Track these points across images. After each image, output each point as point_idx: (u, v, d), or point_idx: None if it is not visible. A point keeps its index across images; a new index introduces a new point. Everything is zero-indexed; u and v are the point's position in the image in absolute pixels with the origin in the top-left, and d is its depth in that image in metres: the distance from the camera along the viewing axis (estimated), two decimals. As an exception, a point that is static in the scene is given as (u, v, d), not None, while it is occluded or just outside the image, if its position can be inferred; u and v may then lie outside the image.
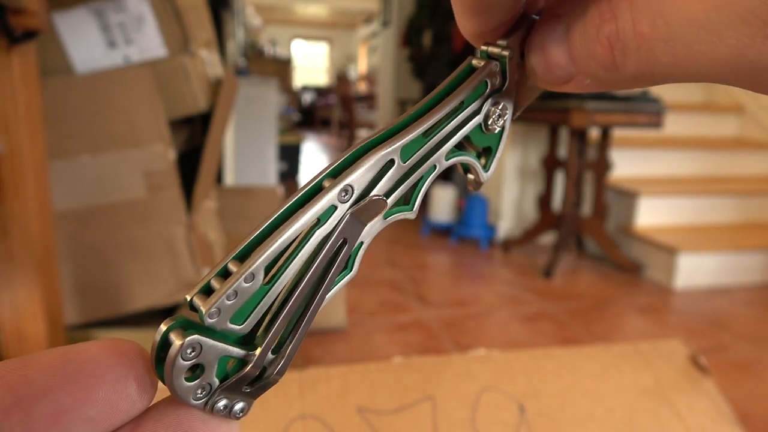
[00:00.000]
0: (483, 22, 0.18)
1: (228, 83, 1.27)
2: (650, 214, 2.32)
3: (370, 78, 8.33)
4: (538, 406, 0.50)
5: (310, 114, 8.71)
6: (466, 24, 0.18)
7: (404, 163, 0.17)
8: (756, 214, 2.45)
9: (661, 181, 2.49)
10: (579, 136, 2.18)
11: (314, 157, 5.75)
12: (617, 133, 2.36)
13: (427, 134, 0.17)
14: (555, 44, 0.16)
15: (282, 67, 6.60)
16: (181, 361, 0.15)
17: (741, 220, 2.43)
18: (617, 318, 1.87)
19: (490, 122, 0.18)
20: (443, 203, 2.77)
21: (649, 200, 2.31)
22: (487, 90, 0.18)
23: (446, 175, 3.27)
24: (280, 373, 0.16)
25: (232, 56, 3.27)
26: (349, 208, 0.16)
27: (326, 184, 0.16)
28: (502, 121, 0.18)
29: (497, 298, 1.97)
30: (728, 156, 2.65)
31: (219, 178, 2.31)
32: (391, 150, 0.17)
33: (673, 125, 2.58)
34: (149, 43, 1.08)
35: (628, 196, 2.34)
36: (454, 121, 0.18)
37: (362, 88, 8.04)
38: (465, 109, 0.18)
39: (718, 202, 2.41)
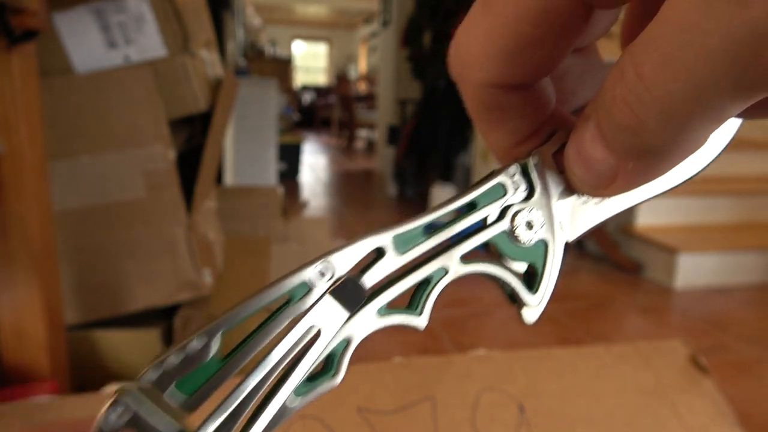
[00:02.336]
0: (505, 135, 0.17)
1: (228, 83, 1.27)
2: (650, 214, 2.32)
3: (370, 78, 8.33)
4: (538, 406, 0.50)
5: (310, 114, 8.71)
6: (491, 139, 0.17)
7: (399, 255, 0.15)
8: (756, 214, 2.45)
9: (661, 181, 2.48)
10: (579, 136, 2.18)
11: (314, 158, 5.76)
12: (617, 133, 2.36)
13: (430, 231, 0.16)
14: (588, 139, 0.14)
15: (282, 67, 6.60)
16: (107, 420, 0.13)
17: (741, 220, 2.43)
18: (617, 318, 1.87)
19: (517, 232, 0.16)
20: (443, 203, 2.77)
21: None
22: (506, 195, 0.16)
23: (446, 176, 3.27)
24: None
25: (232, 56, 3.27)
26: (327, 291, 0.14)
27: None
28: (536, 234, 0.16)
29: (497, 298, 1.97)
30: (728, 156, 2.65)
31: (219, 178, 2.31)
32: (380, 237, 0.15)
33: (673, 125, 2.58)
34: (149, 43, 1.08)
35: (628, 196, 2.34)
36: (464, 221, 0.16)
37: (362, 88, 8.04)
38: (477, 211, 0.16)
39: (718, 202, 2.41)
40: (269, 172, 2.69)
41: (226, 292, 1.23)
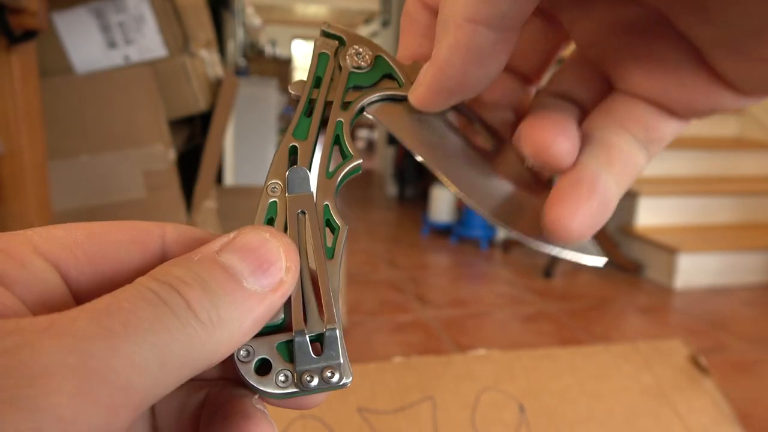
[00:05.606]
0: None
1: (228, 83, 1.27)
2: (650, 214, 2.32)
3: (370, 78, 8.32)
4: (538, 406, 0.50)
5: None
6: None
7: (306, 140, 0.20)
8: (756, 214, 2.45)
9: (661, 181, 2.49)
10: (579, 136, 2.18)
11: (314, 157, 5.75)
12: (617, 133, 2.36)
13: (309, 113, 0.20)
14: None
15: (282, 67, 6.59)
16: (240, 363, 0.17)
17: (741, 220, 2.43)
18: (617, 318, 1.87)
19: (358, 63, 0.20)
20: (443, 203, 2.77)
21: (649, 200, 2.31)
22: (330, 56, 0.20)
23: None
24: (331, 321, 0.17)
25: (232, 56, 3.27)
26: (285, 195, 0.19)
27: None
28: (368, 55, 0.20)
29: (497, 298, 1.97)
30: (728, 156, 2.65)
31: (219, 178, 2.31)
32: (284, 141, 0.20)
33: (673, 125, 2.58)
34: (149, 43, 1.08)
35: (628, 196, 2.34)
36: (323, 87, 0.20)
37: (362, 88, 8.02)
38: (323, 76, 0.20)
39: (718, 202, 2.41)
40: (269, 172, 2.68)
41: (226, 292, 1.22)
